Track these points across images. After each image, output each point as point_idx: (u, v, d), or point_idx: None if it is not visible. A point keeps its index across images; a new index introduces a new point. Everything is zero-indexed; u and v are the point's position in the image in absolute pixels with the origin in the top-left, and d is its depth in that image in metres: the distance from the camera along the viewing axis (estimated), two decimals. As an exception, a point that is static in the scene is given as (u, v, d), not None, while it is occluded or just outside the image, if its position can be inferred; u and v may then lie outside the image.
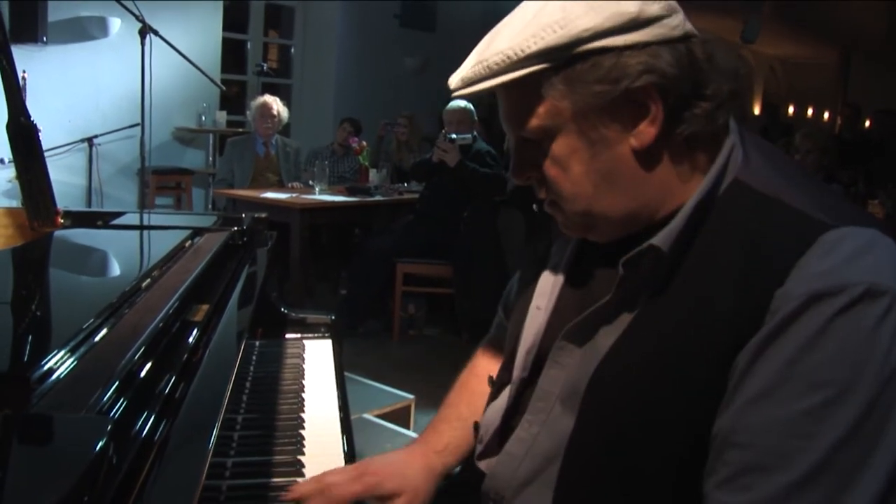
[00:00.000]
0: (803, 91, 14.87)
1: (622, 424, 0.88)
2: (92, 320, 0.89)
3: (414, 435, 2.60)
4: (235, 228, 1.67)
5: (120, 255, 1.50)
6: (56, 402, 0.70)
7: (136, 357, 0.86)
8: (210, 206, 6.39)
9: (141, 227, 1.78)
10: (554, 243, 1.09)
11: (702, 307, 0.83)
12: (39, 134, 1.56)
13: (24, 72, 4.75)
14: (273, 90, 6.24)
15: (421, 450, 1.18)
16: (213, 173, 6.28)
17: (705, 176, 0.89)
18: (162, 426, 0.81)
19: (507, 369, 1.10)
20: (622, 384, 0.88)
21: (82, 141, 5.58)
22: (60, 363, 0.76)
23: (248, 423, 1.30)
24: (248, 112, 5.50)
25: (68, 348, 0.79)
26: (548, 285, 1.06)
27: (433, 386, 3.47)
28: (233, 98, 7.11)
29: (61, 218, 1.63)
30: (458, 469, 1.19)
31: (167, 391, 0.89)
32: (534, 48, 0.84)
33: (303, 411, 1.39)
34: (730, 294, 0.82)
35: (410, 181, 5.54)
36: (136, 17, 3.96)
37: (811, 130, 5.04)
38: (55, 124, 5.25)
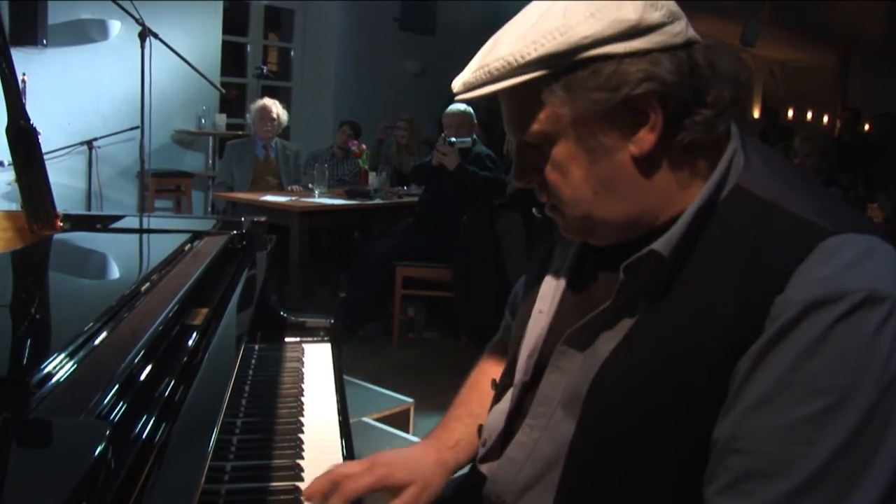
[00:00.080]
0: (802, 94, 14.89)
1: (623, 430, 0.88)
2: (91, 324, 0.89)
3: (414, 438, 2.60)
4: (235, 232, 1.67)
5: (119, 258, 1.50)
6: (55, 405, 0.70)
7: (136, 361, 0.86)
8: (209, 209, 6.39)
9: (140, 231, 1.78)
10: (556, 247, 1.09)
11: (702, 313, 0.83)
12: (39, 137, 1.56)
13: (23, 74, 4.75)
14: (273, 93, 6.24)
15: (433, 445, 1.18)
16: (212, 176, 6.28)
17: (706, 182, 0.88)
18: (161, 430, 0.81)
19: (509, 373, 1.11)
20: (622, 389, 0.88)
21: (82, 144, 5.58)
22: (60, 367, 0.75)
23: (247, 426, 1.30)
24: (247, 115, 5.51)
25: (68, 352, 0.79)
26: (550, 289, 1.06)
27: (432, 389, 3.48)
28: (232, 101, 7.11)
29: (61, 221, 1.63)
30: (465, 471, 1.19)
31: (166, 395, 0.89)
32: (534, 55, 0.84)
33: (302, 415, 1.39)
34: (730, 300, 0.82)
35: (410, 184, 5.54)
36: (136, 20, 3.96)
37: (810, 134, 5.06)
38: (55, 127, 5.25)
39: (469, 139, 4.45)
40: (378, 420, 2.76)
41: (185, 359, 1.00)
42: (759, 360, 0.79)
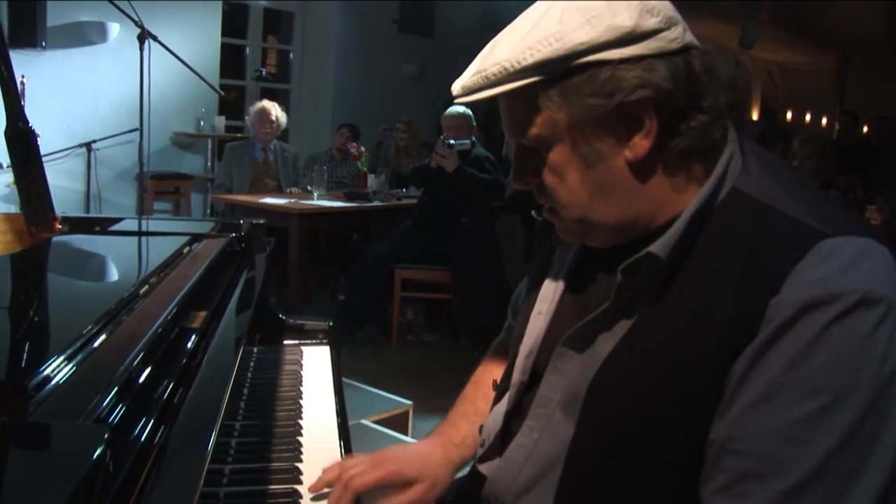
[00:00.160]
0: (801, 96, 14.91)
1: (622, 430, 0.88)
2: (90, 327, 0.89)
3: (413, 441, 2.60)
4: (234, 234, 1.67)
5: (118, 261, 1.50)
6: (53, 409, 0.70)
7: (134, 364, 0.86)
8: (208, 211, 6.39)
9: (139, 234, 1.77)
10: (556, 249, 1.10)
11: (699, 315, 0.84)
12: (38, 139, 1.56)
13: (22, 77, 4.76)
14: (272, 95, 6.24)
15: (440, 442, 1.19)
16: (211, 178, 6.28)
17: (701, 186, 0.89)
18: (160, 433, 0.81)
19: (509, 375, 1.11)
20: (621, 390, 0.89)
21: (81, 146, 5.57)
22: (58, 370, 0.75)
23: (245, 429, 1.30)
24: (246, 117, 5.50)
25: (66, 355, 0.79)
26: (549, 291, 1.07)
27: (431, 391, 3.48)
28: (231, 103, 7.10)
29: (59, 224, 1.63)
30: (465, 472, 1.19)
31: (165, 398, 0.89)
32: (530, 60, 0.84)
33: (301, 418, 1.39)
34: (726, 302, 0.82)
35: (409, 187, 5.54)
36: (135, 23, 3.96)
37: (809, 136, 5.05)
38: (54, 129, 5.25)
39: (468, 141, 4.45)
40: (377, 422, 2.76)
41: (184, 361, 1.00)
42: (755, 362, 0.79)
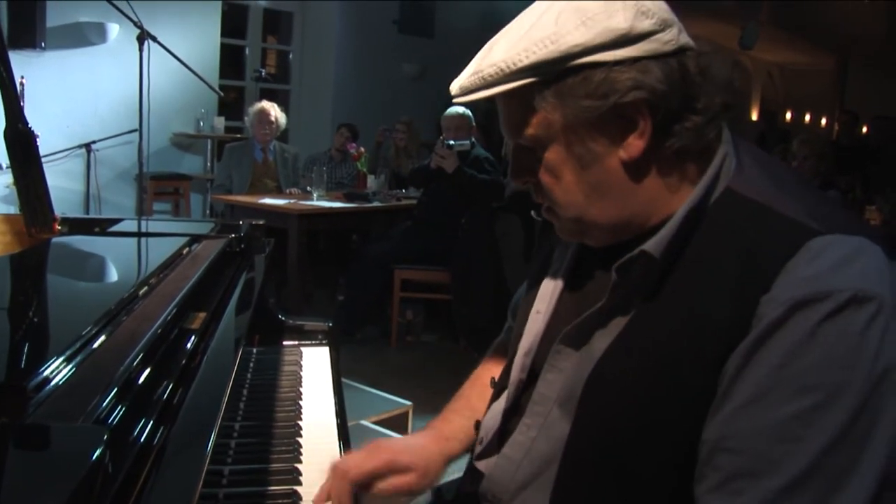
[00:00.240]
0: (801, 97, 14.92)
1: (617, 428, 0.89)
2: (89, 328, 0.89)
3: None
4: (233, 235, 1.67)
5: (118, 262, 1.50)
6: (53, 410, 0.70)
7: (134, 365, 0.86)
8: (208, 212, 6.39)
9: (139, 234, 1.77)
10: (556, 249, 1.11)
11: (693, 313, 0.85)
12: (37, 140, 1.56)
13: (22, 77, 4.75)
14: (271, 96, 6.24)
15: (433, 435, 1.20)
16: (211, 179, 6.28)
17: (695, 186, 0.90)
18: (159, 434, 0.81)
19: (507, 374, 1.12)
20: (617, 388, 0.89)
21: (80, 146, 5.57)
22: (57, 371, 0.75)
23: (245, 430, 1.30)
24: (246, 118, 5.50)
25: (65, 356, 0.79)
26: (548, 290, 1.08)
27: (431, 392, 3.47)
28: (231, 104, 7.10)
29: (59, 224, 1.63)
30: (461, 474, 1.20)
31: (164, 399, 0.89)
32: (525, 62, 0.86)
33: (300, 419, 1.39)
34: (719, 300, 0.83)
35: (408, 187, 5.54)
36: (135, 23, 3.96)
37: (809, 136, 5.05)
38: (53, 130, 5.25)
39: (468, 142, 4.45)
40: (376, 423, 2.76)
41: (183, 362, 1.00)
42: (747, 360, 0.80)
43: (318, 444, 1.30)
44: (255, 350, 1.61)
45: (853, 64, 13.17)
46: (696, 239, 0.88)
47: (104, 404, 0.75)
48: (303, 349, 1.76)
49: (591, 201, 0.91)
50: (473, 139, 4.55)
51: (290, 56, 7.72)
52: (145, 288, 1.14)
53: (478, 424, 1.17)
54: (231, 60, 7.01)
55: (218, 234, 1.69)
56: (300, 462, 1.22)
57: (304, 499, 1.12)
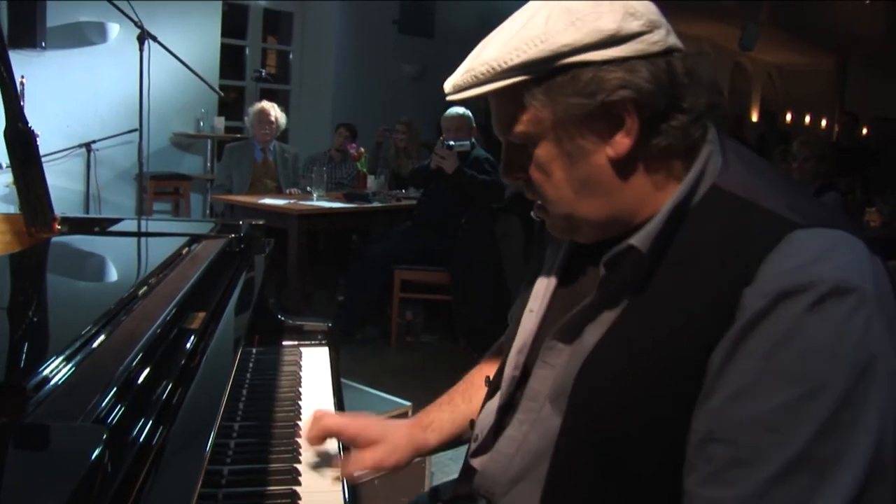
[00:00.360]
0: (801, 98, 14.93)
1: (607, 422, 0.90)
2: (89, 327, 0.89)
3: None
4: (233, 235, 1.67)
5: (117, 261, 1.51)
6: (52, 409, 0.70)
7: (133, 364, 0.86)
8: (208, 212, 6.39)
9: (138, 234, 1.78)
10: (548, 247, 1.12)
11: (679, 306, 0.86)
12: (37, 139, 1.56)
13: (22, 77, 4.75)
14: (271, 96, 6.24)
15: (408, 422, 1.28)
16: (211, 179, 6.28)
17: (681, 183, 0.91)
18: (158, 434, 0.82)
19: (501, 371, 1.14)
20: (607, 381, 0.91)
21: (80, 146, 5.57)
22: (57, 371, 0.76)
23: (244, 430, 1.30)
24: (246, 118, 5.50)
25: (65, 356, 0.79)
26: (541, 288, 1.10)
27: (430, 392, 3.45)
28: (231, 104, 7.10)
29: (59, 224, 1.63)
30: (457, 476, 1.20)
31: (164, 398, 0.89)
32: (515, 61, 0.88)
33: (299, 419, 1.39)
34: (704, 293, 0.84)
35: (408, 187, 5.54)
36: (135, 23, 3.96)
37: (809, 138, 5.06)
38: (53, 129, 5.25)
39: (468, 142, 4.45)
40: (376, 423, 2.75)
41: (183, 362, 1.01)
42: (733, 350, 0.81)
43: (317, 445, 1.29)
44: (254, 350, 1.61)
45: (853, 64, 13.18)
46: (681, 234, 0.89)
47: (104, 404, 0.75)
48: (302, 349, 1.76)
49: (580, 197, 0.94)
50: (473, 140, 4.55)
51: (290, 56, 7.72)
52: (145, 288, 1.14)
53: (472, 423, 1.18)
54: (231, 60, 7.01)
55: (218, 234, 1.69)
56: (299, 462, 1.22)
57: (303, 499, 1.12)
